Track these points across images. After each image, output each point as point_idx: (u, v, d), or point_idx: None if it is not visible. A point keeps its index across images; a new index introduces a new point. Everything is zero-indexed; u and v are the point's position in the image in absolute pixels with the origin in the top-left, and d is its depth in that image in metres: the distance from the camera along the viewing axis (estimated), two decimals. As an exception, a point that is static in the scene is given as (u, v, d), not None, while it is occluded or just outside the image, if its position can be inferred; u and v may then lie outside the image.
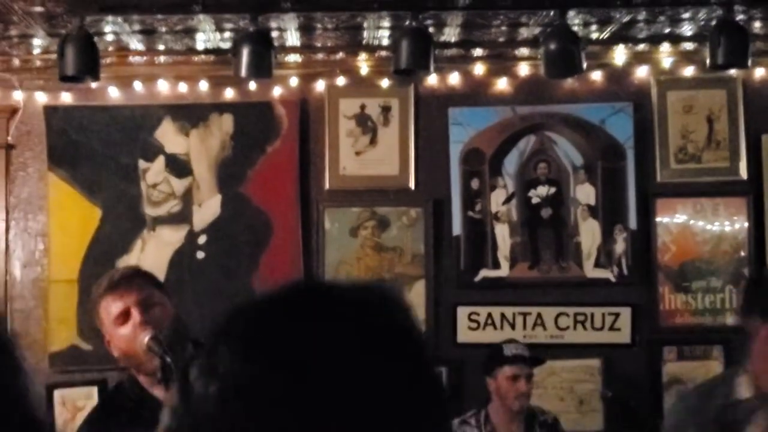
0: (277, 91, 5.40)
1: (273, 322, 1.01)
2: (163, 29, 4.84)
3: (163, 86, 5.39)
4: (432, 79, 5.40)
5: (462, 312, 5.39)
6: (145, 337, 2.94)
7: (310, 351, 0.97)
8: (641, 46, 5.35)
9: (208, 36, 4.96)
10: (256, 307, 1.05)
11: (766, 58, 5.38)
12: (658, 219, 5.44)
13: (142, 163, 5.36)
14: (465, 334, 5.36)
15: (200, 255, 5.34)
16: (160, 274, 5.20)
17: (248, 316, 1.03)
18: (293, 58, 5.34)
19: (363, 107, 5.45)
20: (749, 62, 4.71)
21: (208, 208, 5.37)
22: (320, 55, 5.37)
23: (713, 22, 4.72)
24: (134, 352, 2.98)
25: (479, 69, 5.43)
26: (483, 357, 4.77)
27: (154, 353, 2.91)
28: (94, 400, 4.95)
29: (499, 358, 4.69)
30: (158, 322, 3.00)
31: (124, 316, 3.01)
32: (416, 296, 5.33)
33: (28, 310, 5.34)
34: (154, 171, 5.36)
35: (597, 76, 5.44)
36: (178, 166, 5.37)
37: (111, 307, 3.02)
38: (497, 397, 4.68)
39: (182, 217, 5.36)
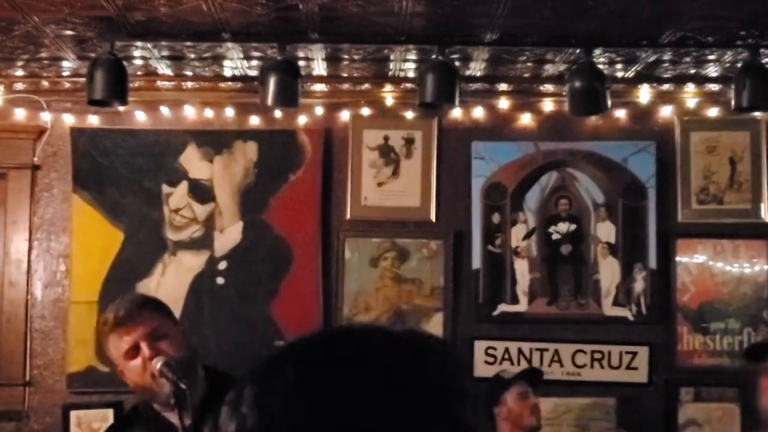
0: (301, 120, 5.42)
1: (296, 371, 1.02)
2: (192, 56, 4.88)
3: (189, 112, 5.43)
4: (456, 113, 5.42)
5: (479, 346, 5.39)
6: (158, 363, 2.99)
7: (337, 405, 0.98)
8: (666, 86, 5.36)
9: (235, 63, 4.99)
10: (287, 355, 1.06)
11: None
12: (678, 259, 5.43)
13: (165, 188, 5.39)
14: (482, 369, 5.34)
15: (220, 281, 5.35)
16: (180, 298, 5.25)
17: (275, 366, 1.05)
18: (319, 87, 5.37)
19: (386, 138, 5.47)
20: (774, 105, 4.72)
21: (229, 235, 5.39)
22: (346, 86, 5.39)
23: (739, 65, 4.73)
24: (146, 384, 3.04)
25: (504, 104, 5.45)
26: (483, 394, 4.73)
27: (167, 379, 2.95)
28: (110, 422, 4.95)
29: (503, 383, 4.71)
30: (167, 353, 3.04)
31: (134, 351, 3.06)
32: (434, 329, 5.33)
33: (47, 331, 5.36)
34: (177, 196, 5.39)
35: (621, 114, 5.45)
36: (201, 192, 5.40)
37: (120, 342, 3.08)
38: (509, 423, 4.66)
39: (203, 242, 5.38)
